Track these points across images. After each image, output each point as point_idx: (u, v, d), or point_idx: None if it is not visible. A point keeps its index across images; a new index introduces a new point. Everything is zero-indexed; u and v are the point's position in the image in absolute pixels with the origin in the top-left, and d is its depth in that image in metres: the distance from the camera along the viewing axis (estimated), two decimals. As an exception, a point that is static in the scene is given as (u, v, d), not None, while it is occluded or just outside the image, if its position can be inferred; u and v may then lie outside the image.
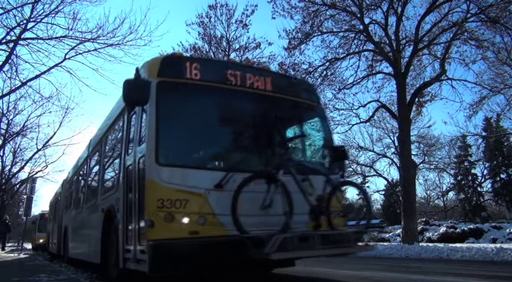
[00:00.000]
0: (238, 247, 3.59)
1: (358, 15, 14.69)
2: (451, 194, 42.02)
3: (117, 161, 5.21)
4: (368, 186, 35.24)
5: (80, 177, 9.03)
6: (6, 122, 21.87)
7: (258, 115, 4.57)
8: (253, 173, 3.89)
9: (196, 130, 4.28)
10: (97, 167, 6.89)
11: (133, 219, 4.06)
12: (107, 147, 6.35)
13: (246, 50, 16.74)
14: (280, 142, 4.57)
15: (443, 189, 41.59)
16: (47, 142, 24.62)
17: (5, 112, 21.05)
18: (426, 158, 31.20)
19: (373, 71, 15.94)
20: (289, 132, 5.18)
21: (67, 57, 13.67)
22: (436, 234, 17.86)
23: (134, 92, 3.85)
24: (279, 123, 4.87)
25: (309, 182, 4.15)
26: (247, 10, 16.17)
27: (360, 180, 32.42)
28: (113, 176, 5.58)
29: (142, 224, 3.78)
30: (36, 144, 24.61)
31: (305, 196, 4.04)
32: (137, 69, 3.97)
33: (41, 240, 20.48)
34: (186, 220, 3.63)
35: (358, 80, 15.65)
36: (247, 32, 17.23)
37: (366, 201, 5.67)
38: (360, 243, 4.49)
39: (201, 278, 5.09)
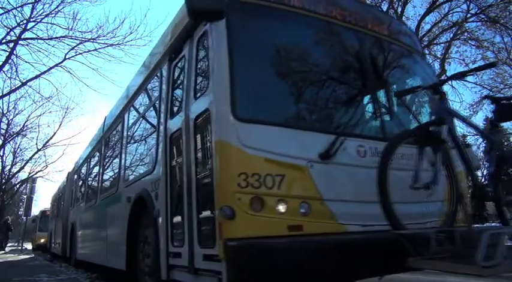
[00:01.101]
0: (387, 251, 2.36)
1: (358, 15, 14.70)
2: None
3: (151, 131, 4.13)
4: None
5: (92, 164, 7.70)
6: (6, 122, 21.90)
7: (369, 60, 3.30)
8: (409, 131, 2.79)
9: (285, 73, 2.95)
10: (117, 147, 5.65)
11: (187, 208, 2.86)
12: (133, 117, 5.04)
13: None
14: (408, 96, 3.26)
15: (444, 189, 41.58)
16: (47, 142, 24.69)
17: (5, 112, 21.10)
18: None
19: (374, 71, 15.95)
20: (409, 85, 3.72)
21: (67, 57, 13.80)
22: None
23: None
24: (397, 73, 3.67)
25: (469, 150, 2.99)
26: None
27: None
28: (144, 153, 4.43)
29: (209, 213, 2.57)
30: (36, 144, 24.65)
31: (471, 171, 2.78)
32: None
33: (42, 240, 19.31)
34: (282, 208, 2.40)
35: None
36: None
37: None
38: None
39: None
